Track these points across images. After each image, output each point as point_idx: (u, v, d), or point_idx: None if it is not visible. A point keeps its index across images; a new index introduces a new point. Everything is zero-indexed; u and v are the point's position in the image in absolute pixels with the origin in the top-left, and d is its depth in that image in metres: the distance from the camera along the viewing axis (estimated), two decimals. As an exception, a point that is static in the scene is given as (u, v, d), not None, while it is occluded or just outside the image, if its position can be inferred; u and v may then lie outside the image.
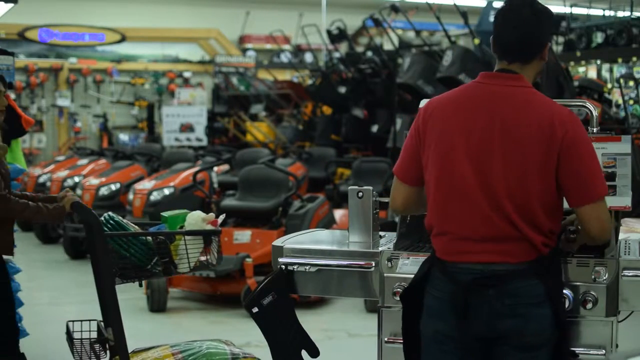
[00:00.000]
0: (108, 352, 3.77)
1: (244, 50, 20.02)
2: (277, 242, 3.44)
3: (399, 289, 3.07)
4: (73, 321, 3.93)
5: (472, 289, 2.67)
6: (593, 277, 2.87)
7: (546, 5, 2.79)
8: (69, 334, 3.89)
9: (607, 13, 12.71)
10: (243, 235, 7.90)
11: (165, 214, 3.95)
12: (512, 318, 2.66)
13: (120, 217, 3.84)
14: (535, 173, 2.65)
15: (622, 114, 9.87)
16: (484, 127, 2.69)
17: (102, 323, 3.88)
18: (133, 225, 3.86)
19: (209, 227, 3.82)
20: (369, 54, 13.43)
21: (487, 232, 2.68)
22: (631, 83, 10.71)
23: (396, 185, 2.93)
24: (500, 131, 2.67)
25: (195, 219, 3.87)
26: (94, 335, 3.84)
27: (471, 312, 2.67)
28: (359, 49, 16.50)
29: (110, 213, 3.87)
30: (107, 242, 3.69)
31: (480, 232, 2.69)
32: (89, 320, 3.90)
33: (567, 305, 2.82)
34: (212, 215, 3.88)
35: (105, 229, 3.73)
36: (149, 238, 3.75)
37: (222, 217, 3.90)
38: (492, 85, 2.76)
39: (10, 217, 4.19)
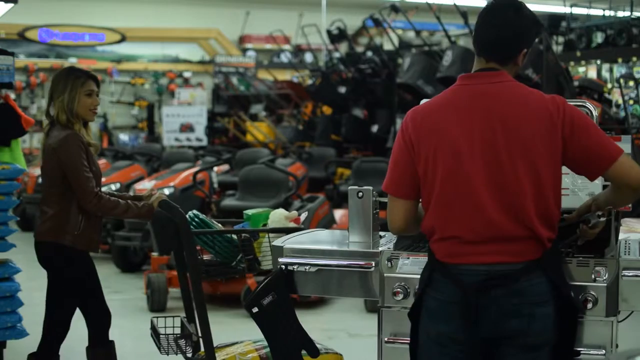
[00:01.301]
0: (191, 347, 3.88)
1: (244, 50, 20.03)
2: (277, 242, 3.43)
3: (399, 289, 3.07)
4: (157, 317, 4.03)
5: (479, 290, 2.66)
6: (593, 277, 2.87)
7: (534, 11, 2.80)
8: (155, 330, 3.98)
9: (607, 13, 12.72)
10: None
11: (248, 212, 4.06)
12: (518, 318, 2.65)
13: (204, 215, 3.94)
14: (545, 165, 2.66)
15: (622, 114, 9.88)
16: (484, 127, 2.68)
17: (185, 319, 3.99)
18: (216, 223, 3.97)
19: (292, 224, 3.89)
20: (369, 54, 13.44)
21: (494, 233, 2.67)
22: (631, 83, 10.72)
23: (392, 203, 2.86)
24: (502, 129, 2.66)
25: (279, 216, 3.97)
26: (177, 330, 3.96)
27: (478, 313, 2.67)
28: (359, 49, 16.50)
29: (194, 211, 3.98)
30: (194, 240, 3.75)
31: (486, 234, 2.67)
32: (173, 317, 4.01)
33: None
34: (294, 213, 3.99)
35: (191, 226, 3.81)
36: (234, 236, 3.86)
37: (304, 215, 3.97)
38: (477, 85, 2.74)
39: (101, 214, 4.27)
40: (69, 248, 4.21)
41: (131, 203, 4.27)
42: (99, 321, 4.43)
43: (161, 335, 3.92)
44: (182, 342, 3.91)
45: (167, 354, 3.96)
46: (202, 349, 3.87)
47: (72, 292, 4.33)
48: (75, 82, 4.27)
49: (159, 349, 3.97)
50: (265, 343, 3.86)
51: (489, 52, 2.76)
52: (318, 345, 3.90)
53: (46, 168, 4.27)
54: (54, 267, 4.32)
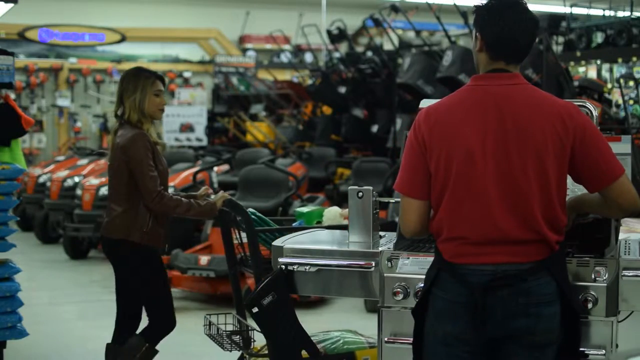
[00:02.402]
0: (243, 342, 4.02)
1: (244, 50, 20.01)
2: (277, 242, 3.44)
3: (399, 289, 3.07)
4: (210, 314, 4.16)
5: (485, 290, 2.66)
6: (593, 277, 2.87)
7: (534, 11, 2.82)
8: (210, 327, 4.09)
9: (607, 13, 12.70)
10: (243, 235, 7.90)
11: (301, 209, 4.19)
12: (525, 317, 2.66)
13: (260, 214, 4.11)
14: (553, 170, 2.67)
15: (622, 114, 9.87)
16: (497, 128, 2.68)
17: (237, 315, 4.13)
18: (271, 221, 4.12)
19: (346, 222, 3.95)
20: (369, 54, 13.43)
21: (501, 236, 2.67)
22: (631, 83, 10.71)
23: (406, 204, 2.81)
24: (515, 131, 2.67)
25: (333, 214, 4.10)
26: (230, 327, 4.08)
27: (485, 313, 2.67)
28: (359, 49, 16.49)
29: (251, 209, 4.12)
30: (257, 238, 3.89)
31: (493, 236, 2.67)
32: (225, 314, 4.13)
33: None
34: (347, 210, 4.06)
35: None
36: None
37: None
38: (492, 86, 2.74)
39: (163, 213, 4.38)
40: (138, 245, 4.34)
41: (193, 202, 4.38)
42: (134, 322, 4.57)
43: (224, 332, 4.03)
44: (236, 338, 4.02)
45: (230, 351, 4.06)
46: (254, 344, 4.02)
47: (141, 286, 4.48)
48: (146, 82, 4.41)
49: (221, 346, 4.07)
50: (321, 338, 4.05)
51: (512, 55, 2.76)
52: (371, 340, 4.06)
53: (114, 166, 4.40)
54: (121, 263, 4.47)
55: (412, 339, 2.86)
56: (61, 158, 13.14)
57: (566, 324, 2.71)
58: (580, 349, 2.82)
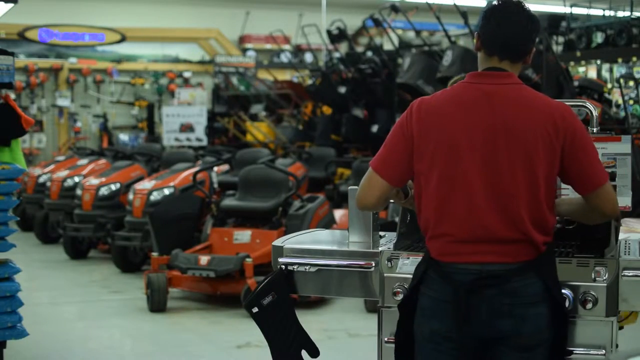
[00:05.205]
0: None
1: (244, 50, 20.02)
2: (277, 242, 3.43)
3: (399, 289, 3.07)
4: None
5: (470, 289, 2.66)
6: (593, 277, 2.87)
7: (534, 11, 2.83)
8: None
9: (607, 13, 12.71)
10: (243, 235, 7.91)
11: None
12: (510, 318, 2.66)
13: None
14: (542, 170, 2.67)
15: (622, 114, 9.87)
16: (487, 127, 2.68)
17: None
18: None
19: None
20: (369, 54, 13.43)
21: (486, 235, 2.67)
22: (631, 83, 10.72)
23: (374, 180, 2.86)
24: (504, 131, 2.67)
25: None
26: None
27: (470, 312, 2.67)
28: (359, 49, 16.51)
29: None
30: None
31: (478, 235, 2.67)
32: None
33: (567, 305, 2.82)
34: None
35: None
36: None
37: None
38: (486, 84, 2.74)
39: None
40: None
41: None
42: None
43: None
44: None
45: None
46: None
47: None
48: None
49: None
50: None
51: (504, 52, 2.76)
52: None
53: None
54: None
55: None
56: (61, 158, 13.15)
57: (555, 325, 2.71)
58: (572, 348, 2.82)
